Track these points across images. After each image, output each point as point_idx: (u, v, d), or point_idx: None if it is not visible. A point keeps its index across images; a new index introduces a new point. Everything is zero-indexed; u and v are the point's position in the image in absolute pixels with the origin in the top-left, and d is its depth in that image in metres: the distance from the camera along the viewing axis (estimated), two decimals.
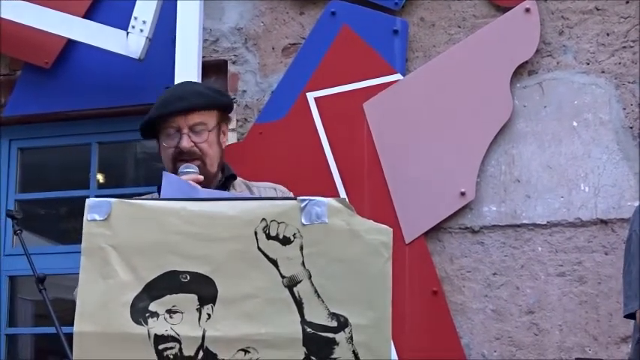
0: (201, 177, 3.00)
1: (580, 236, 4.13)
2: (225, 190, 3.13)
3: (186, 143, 3.08)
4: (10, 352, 4.99)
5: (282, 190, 3.24)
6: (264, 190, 3.22)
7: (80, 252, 4.06)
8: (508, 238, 4.20)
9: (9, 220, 4.80)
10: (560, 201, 4.17)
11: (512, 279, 4.17)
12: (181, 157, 3.08)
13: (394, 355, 4.13)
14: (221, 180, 3.18)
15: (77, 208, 5.16)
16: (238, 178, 3.26)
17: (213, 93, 3.23)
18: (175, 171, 3.04)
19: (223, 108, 3.24)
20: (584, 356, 4.02)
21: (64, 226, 5.83)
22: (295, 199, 2.56)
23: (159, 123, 3.16)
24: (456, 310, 4.20)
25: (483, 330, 4.17)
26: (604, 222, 4.11)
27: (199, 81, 4.31)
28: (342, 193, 4.30)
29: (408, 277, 4.19)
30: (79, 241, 4.87)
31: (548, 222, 4.17)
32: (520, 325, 4.13)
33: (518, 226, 4.20)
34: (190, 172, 3.01)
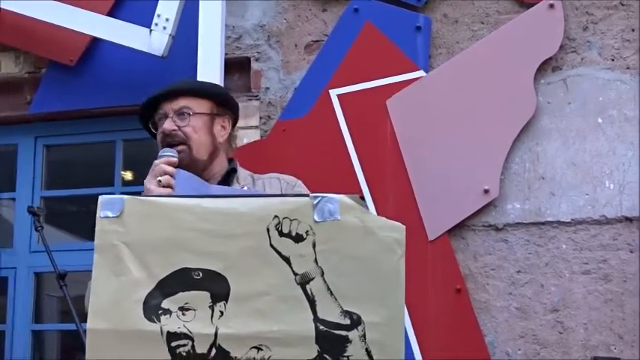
0: (175, 159, 3.00)
1: (605, 234, 4.10)
2: (227, 184, 3.13)
3: (167, 125, 3.12)
4: (37, 348, 5.02)
5: (286, 179, 3.23)
6: (267, 180, 3.21)
7: None
8: (532, 236, 4.18)
9: None
10: (584, 198, 4.13)
11: (536, 277, 4.14)
12: (167, 140, 3.11)
13: (417, 353, 4.11)
14: (221, 174, 3.18)
15: None
16: (243, 172, 3.26)
17: (206, 84, 3.28)
18: None
19: (215, 97, 3.24)
20: (609, 355, 3.98)
21: (89, 222, 5.84)
22: (308, 195, 2.55)
23: (153, 118, 3.22)
24: (480, 308, 4.17)
25: (507, 328, 4.14)
26: (629, 219, 4.07)
27: (222, 77, 4.31)
28: (365, 191, 4.29)
29: (431, 274, 4.18)
30: None
31: (572, 219, 4.13)
32: (544, 324, 4.10)
33: (543, 223, 4.17)
34: (166, 155, 3.02)
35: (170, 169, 2.94)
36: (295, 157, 4.40)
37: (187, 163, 3.05)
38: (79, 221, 5.81)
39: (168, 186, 2.89)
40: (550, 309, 4.11)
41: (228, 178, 3.18)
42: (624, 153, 4.12)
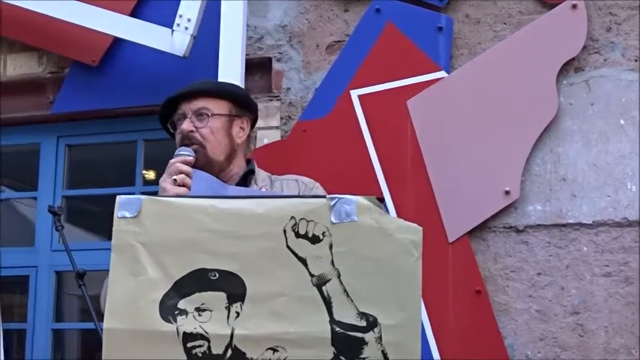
0: (191, 158, 3.02)
1: (627, 236, 4.07)
2: (245, 185, 3.14)
3: (185, 126, 3.13)
4: (57, 347, 5.04)
5: (304, 181, 3.23)
6: (285, 182, 3.22)
7: None
8: (553, 238, 4.15)
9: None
10: (606, 200, 4.11)
11: (557, 279, 4.12)
12: (184, 141, 3.12)
13: (436, 354, 4.10)
14: (239, 175, 3.18)
15: None
16: (262, 173, 3.26)
17: (226, 84, 3.29)
18: None
19: (235, 98, 3.25)
20: (630, 359, 3.96)
21: (110, 222, 5.87)
22: (324, 197, 2.55)
23: (172, 117, 3.23)
24: (500, 310, 4.15)
25: (527, 330, 4.12)
26: None
27: (243, 78, 4.31)
28: (386, 191, 4.28)
29: (451, 276, 4.16)
30: None
31: (594, 221, 4.11)
32: (565, 326, 4.08)
33: (564, 225, 4.15)
34: (182, 155, 3.04)
35: (186, 168, 2.96)
36: (315, 157, 4.40)
37: (203, 164, 3.06)
38: (100, 221, 5.84)
39: (184, 185, 2.89)
40: (570, 312, 4.08)
41: (246, 179, 3.18)
42: None
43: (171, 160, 3.02)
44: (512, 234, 4.20)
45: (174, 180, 2.90)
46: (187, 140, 3.11)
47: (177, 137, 3.16)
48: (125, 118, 4.92)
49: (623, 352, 3.99)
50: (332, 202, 2.52)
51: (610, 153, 4.14)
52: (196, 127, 3.13)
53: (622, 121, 4.15)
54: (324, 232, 2.52)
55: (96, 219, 5.70)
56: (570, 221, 4.14)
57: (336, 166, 4.32)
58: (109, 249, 4.72)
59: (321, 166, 4.29)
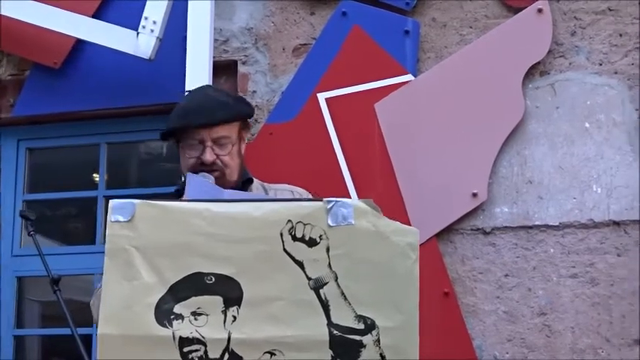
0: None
1: (592, 238, 4.11)
2: None
3: (209, 157, 3.10)
4: (18, 353, 4.97)
5: (299, 192, 3.24)
6: (280, 192, 3.22)
7: (88, 253, 4.09)
8: (520, 240, 4.18)
9: (18, 221, 4.79)
10: (572, 202, 4.15)
11: (524, 280, 4.15)
12: (201, 167, 3.09)
13: None
14: (238, 184, 3.17)
15: (85, 208, 5.17)
16: (255, 182, 3.26)
17: (235, 103, 3.24)
18: None
19: (245, 118, 3.25)
20: (597, 359, 4.01)
21: (71, 226, 5.81)
22: (321, 200, 2.55)
23: (181, 131, 3.18)
24: (468, 311, 4.18)
25: (495, 332, 4.15)
26: (616, 223, 4.09)
27: (210, 81, 4.29)
28: (353, 194, 4.29)
29: (419, 278, 4.16)
30: (88, 242, 4.88)
31: (560, 223, 4.15)
32: (532, 327, 4.11)
33: (530, 227, 4.18)
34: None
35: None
36: (282, 161, 4.38)
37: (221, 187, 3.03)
38: (60, 225, 5.77)
39: None
40: (537, 312, 4.12)
41: (243, 188, 3.18)
42: (612, 157, 4.14)
43: None
44: (479, 236, 4.23)
45: None
46: (207, 167, 3.09)
47: (192, 161, 3.12)
48: (88, 121, 4.85)
49: (589, 353, 4.03)
50: (329, 206, 2.52)
51: (575, 156, 4.19)
52: (217, 155, 3.11)
53: (587, 124, 4.19)
54: (321, 236, 2.52)
55: (56, 223, 5.63)
56: (537, 223, 4.18)
57: (304, 170, 4.31)
58: (75, 254, 4.71)
59: (288, 170, 4.29)
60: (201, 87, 3.49)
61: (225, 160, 3.11)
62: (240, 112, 3.22)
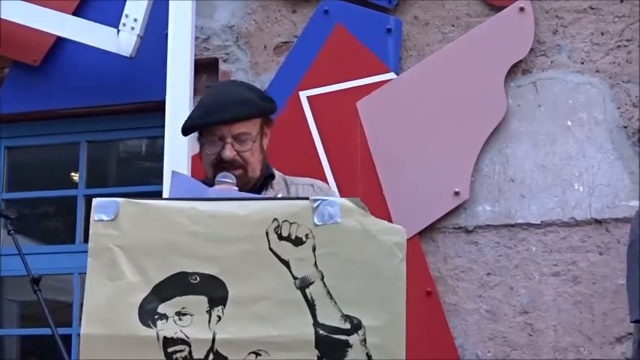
0: (236, 188, 2.97)
1: (574, 236, 4.12)
2: (263, 189, 3.12)
3: (229, 153, 3.07)
4: None
5: (319, 186, 3.23)
6: (301, 187, 3.21)
7: (68, 252, 4.06)
8: (502, 238, 4.19)
9: None
10: (554, 201, 4.16)
11: (506, 279, 4.15)
12: (222, 164, 3.07)
13: None
14: (260, 180, 3.17)
15: (65, 207, 5.14)
16: (277, 175, 3.25)
17: (258, 99, 3.19)
18: (214, 177, 3.03)
19: (264, 113, 3.22)
20: (579, 357, 4.01)
21: (51, 225, 5.77)
22: (307, 198, 2.54)
23: (201, 128, 3.16)
24: (450, 310, 4.17)
25: (477, 330, 4.15)
26: (598, 222, 4.10)
27: (191, 79, 4.27)
28: (335, 192, 4.27)
29: None
30: (67, 241, 4.84)
31: (542, 222, 4.15)
32: (514, 326, 4.11)
33: (513, 225, 4.18)
34: (226, 182, 2.99)
35: None
36: None
37: (243, 184, 3.04)
38: (39, 224, 5.74)
39: None
40: (520, 311, 4.12)
41: (265, 183, 3.18)
42: (593, 156, 4.14)
43: (215, 188, 2.95)
44: (461, 234, 4.23)
45: None
46: (228, 164, 3.07)
47: (211, 158, 3.10)
48: (68, 120, 4.82)
49: (571, 351, 4.04)
50: (315, 204, 2.51)
51: (557, 154, 4.19)
52: (237, 151, 3.08)
53: (569, 123, 4.20)
54: (307, 234, 2.50)
55: (35, 222, 5.60)
56: (519, 221, 4.18)
57: (286, 168, 4.22)
58: (54, 253, 4.67)
59: None
60: (224, 82, 3.46)
61: (245, 157, 3.09)
62: (261, 109, 3.18)
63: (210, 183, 3.02)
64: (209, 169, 3.10)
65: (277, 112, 4.29)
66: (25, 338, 5.30)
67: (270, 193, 3.11)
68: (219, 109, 3.09)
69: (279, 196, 3.07)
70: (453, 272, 4.21)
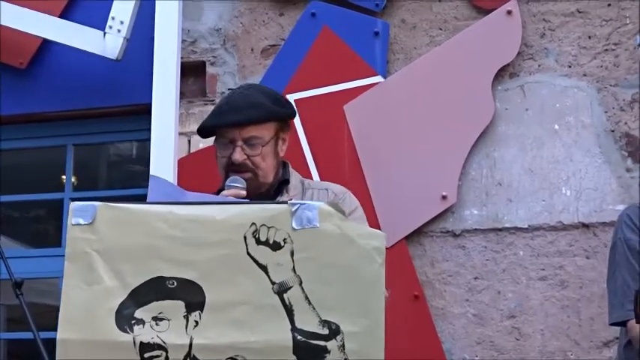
0: (244, 192, 2.98)
1: (562, 240, 4.11)
2: (278, 195, 3.12)
3: (238, 156, 3.07)
4: None
5: (334, 190, 3.20)
6: (317, 191, 3.18)
7: (55, 256, 4.03)
8: (489, 242, 4.18)
9: None
10: (541, 204, 4.15)
11: (493, 283, 4.14)
12: (233, 167, 3.07)
13: None
14: (274, 186, 3.16)
15: (51, 210, 5.13)
16: (294, 180, 3.23)
17: (273, 104, 3.17)
18: (226, 180, 3.05)
19: (282, 119, 3.20)
20: None
21: (38, 229, 5.76)
22: (286, 202, 2.52)
23: (213, 130, 3.17)
24: (437, 314, 4.16)
25: (465, 335, 4.14)
26: (586, 226, 4.09)
27: (178, 82, 4.25)
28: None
29: (388, 281, 4.12)
30: (54, 245, 4.83)
31: (529, 226, 4.14)
32: (502, 330, 4.10)
33: (500, 229, 4.17)
34: (234, 187, 3.00)
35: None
36: None
37: (254, 189, 3.04)
38: (26, 227, 5.71)
39: None
40: (507, 315, 4.11)
41: (279, 188, 3.17)
42: (581, 160, 4.14)
43: (224, 192, 2.98)
44: (449, 238, 4.22)
45: None
46: (237, 167, 3.07)
47: (224, 160, 3.11)
48: (54, 123, 4.80)
49: (559, 355, 4.03)
50: (294, 208, 2.49)
51: (545, 158, 4.18)
52: (247, 155, 3.08)
53: (556, 127, 4.19)
54: (285, 239, 2.48)
55: (21, 226, 5.58)
56: (506, 225, 4.17)
57: None
58: (40, 256, 4.64)
59: None
60: (242, 85, 3.45)
61: (255, 161, 3.08)
62: (273, 113, 3.15)
63: (223, 188, 3.03)
64: (222, 173, 3.12)
65: None
66: (11, 342, 5.27)
67: (284, 199, 3.08)
68: (231, 112, 3.10)
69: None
70: (441, 276, 4.20)
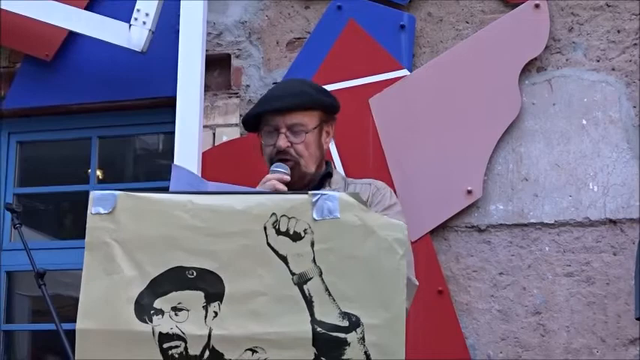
0: (287, 177, 3.02)
1: (588, 236, 4.07)
2: (320, 188, 3.12)
3: (282, 143, 3.10)
4: (7, 348, 4.92)
5: (377, 185, 3.22)
6: (359, 185, 3.20)
7: (80, 248, 4.01)
8: (515, 238, 4.14)
9: (8, 215, 4.74)
10: (568, 200, 4.11)
11: (518, 279, 4.11)
12: (278, 155, 3.10)
13: None
14: (317, 178, 3.18)
15: (76, 203, 5.13)
16: (337, 175, 3.26)
17: (317, 93, 3.21)
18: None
19: (326, 108, 3.23)
20: (592, 359, 3.96)
21: (63, 221, 5.77)
22: (306, 193, 2.50)
23: (260, 119, 3.19)
24: (462, 310, 4.14)
25: (489, 331, 4.11)
26: (613, 222, 4.05)
27: (203, 74, 4.25)
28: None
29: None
30: (79, 237, 4.84)
31: (556, 221, 4.11)
32: (526, 326, 4.07)
33: (526, 225, 4.14)
34: (278, 172, 3.03)
35: (282, 187, 2.94)
36: None
37: (297, 179, 3.07)
38: (51, 219, 5.73)
39: None
40: (532, 311, 4.08)
41: (322, 182, 3.18)
42: (608, 155, 4.10)
43: (268, 176, 3.01)
44: (474, 234, 4.19)
45: None
46: (282, 155, 3.10)
47: (269, 149, 3.15)
48: (79, 115, 4.81)
49: (584, 352, 3.99)
50: (314, 199, 2.47)
51: (572, 153, 4.15)
52: (291, 142, 3.11)
53: (584, 121, 4.15)
54: (305, 230, 2.46)
55: (47, 218, 5.59)
56: (532, 221, 4.14)
57: None
58: (66, 248, 4.65)
59: None
60: (290, 79, 3.46)
61: (298, 149, 3.11)
62: (317, 101, 3.19)
63: None
64: (267, 162, 3.15)
65: None
66: (36, 333, 5.29)
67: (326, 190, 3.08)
68: (274, 100, 3.15)
69: None
70: (465, 272, 4.17)
